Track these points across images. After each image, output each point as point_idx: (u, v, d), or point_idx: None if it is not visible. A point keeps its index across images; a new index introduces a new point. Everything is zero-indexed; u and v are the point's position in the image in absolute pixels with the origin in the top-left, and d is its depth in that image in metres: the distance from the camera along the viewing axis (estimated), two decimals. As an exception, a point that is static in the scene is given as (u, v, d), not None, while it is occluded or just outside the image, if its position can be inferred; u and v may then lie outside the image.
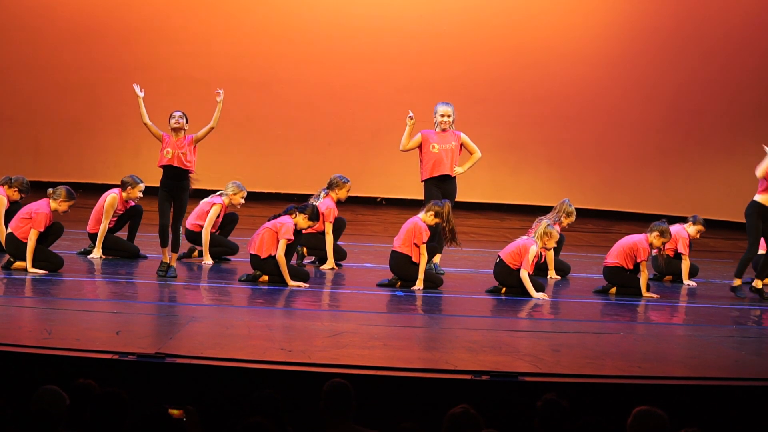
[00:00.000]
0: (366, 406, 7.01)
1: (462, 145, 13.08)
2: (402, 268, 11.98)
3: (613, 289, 12.35)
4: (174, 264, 11.99)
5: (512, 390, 7.94)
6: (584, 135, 18.49)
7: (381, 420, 7.05)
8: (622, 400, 7.49)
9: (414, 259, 11.94)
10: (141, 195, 13.20)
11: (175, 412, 6.14)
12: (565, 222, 13.23)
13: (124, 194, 13.16)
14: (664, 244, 12.45)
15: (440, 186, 12.88)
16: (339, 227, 13.24)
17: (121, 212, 13.21)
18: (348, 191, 13.21)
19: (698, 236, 13.56)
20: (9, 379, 7.61)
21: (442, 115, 13.01)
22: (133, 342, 8.52)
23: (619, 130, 18.41)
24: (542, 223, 12.18)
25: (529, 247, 11.80)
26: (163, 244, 12.03)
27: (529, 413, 6.64)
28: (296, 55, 18.61)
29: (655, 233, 12.30)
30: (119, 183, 13.30)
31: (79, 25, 18.38)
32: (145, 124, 11.90)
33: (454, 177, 12.99)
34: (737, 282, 12.55)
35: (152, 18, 18.52)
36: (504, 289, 11.89)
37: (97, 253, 12.92)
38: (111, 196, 13.08)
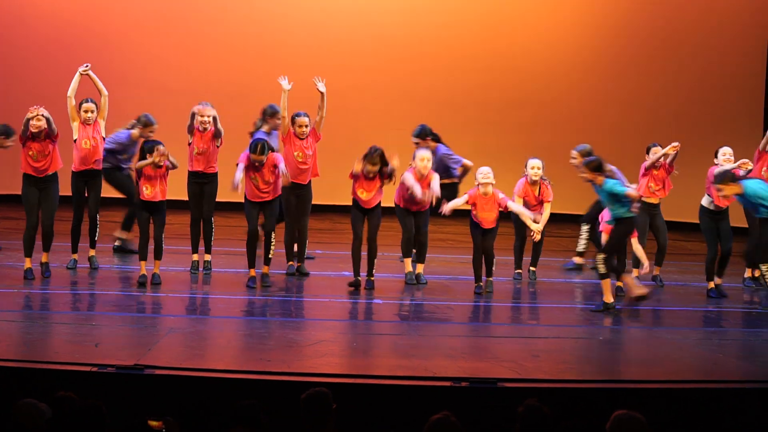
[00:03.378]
0: (346, 415, 7.01)
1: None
2: None
3: None
4: (157, 271, 12.06)
5: (492, 396, 7.95)
6: (564, 140, 18.46)
7: (361, 428, 7.06)
8: (601, 405, 7.50)
9: None
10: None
11: (154, 423, 6.13)
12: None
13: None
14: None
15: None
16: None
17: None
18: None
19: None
20: (-13, 393, 7.58)
21: (422, 159, 12.79)
22: (112, 354, 8.50)
23: (599, 134, 18.43)
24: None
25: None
26: (143, 257, 12.10)
27: (509, 419, 6.65)
28: (273, 65, 18.56)
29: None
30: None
31: (55, 38, 18.32)
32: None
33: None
34: (711, 285, 12.70)
35: (128, 30, 18.46)
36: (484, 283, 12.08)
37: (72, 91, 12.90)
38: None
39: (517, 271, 13.31)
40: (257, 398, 6.62)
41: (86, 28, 18.38)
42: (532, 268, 13.34)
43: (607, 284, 11.44)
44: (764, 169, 13.18)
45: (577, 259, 14.24)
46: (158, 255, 12.12)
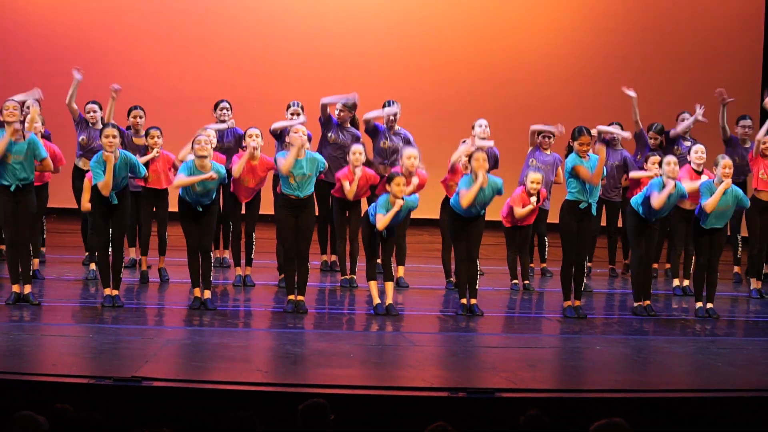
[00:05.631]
0: (343, 426, 7.02)
1: None
2: None
3: None
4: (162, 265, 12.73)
5: (489, 406, 7.96)
6: (558, 148, 18.61)
7: (359, 439, 7.07)
8: (598, 414, 7.51)
9: None
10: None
11: (152, 436, 6.13)
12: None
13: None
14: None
15: None
16: None
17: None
18: None
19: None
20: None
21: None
22: (109, 366, 8.50)
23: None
24: None
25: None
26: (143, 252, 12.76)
27: (507, 429, 6.66)
28: (268, 74, 18.64)
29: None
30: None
31: (44, 52, 18.34)
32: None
33: None
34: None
35: (117, 43, 18.52)
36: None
37: None
38: None
39: (513, 281, 13.27)
40: (254, 410, 6.62)
41: (84, 37, 18.44)
42: (525, 282, 13.29)
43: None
44: (761, 171, 13.13)
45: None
46: (162, 250, 12.75)
